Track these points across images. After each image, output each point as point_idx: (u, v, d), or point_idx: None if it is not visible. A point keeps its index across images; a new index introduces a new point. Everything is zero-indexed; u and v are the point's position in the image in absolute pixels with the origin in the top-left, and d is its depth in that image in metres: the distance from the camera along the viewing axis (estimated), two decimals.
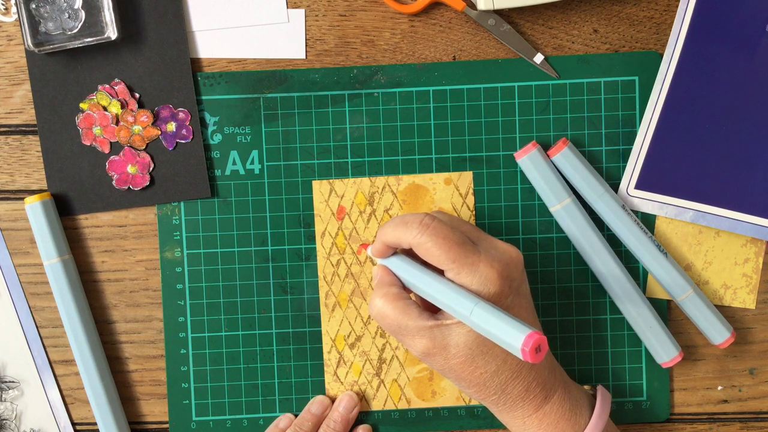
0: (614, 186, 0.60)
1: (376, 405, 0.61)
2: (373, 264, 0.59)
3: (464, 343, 0.50)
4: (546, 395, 0.52)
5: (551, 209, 0.59)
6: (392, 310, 0.51)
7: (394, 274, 0.54)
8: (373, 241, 0.59)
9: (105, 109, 0.59)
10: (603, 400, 0.54)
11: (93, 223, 0.60)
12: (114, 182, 0.59)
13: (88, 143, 0.59)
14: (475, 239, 0.52)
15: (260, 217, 0.60)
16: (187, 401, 0.61)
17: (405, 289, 0.53)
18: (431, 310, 0.53)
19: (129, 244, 0.61)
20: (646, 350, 0.61)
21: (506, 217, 0.60)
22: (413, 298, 0.54)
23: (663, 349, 0.59)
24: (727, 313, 0.61)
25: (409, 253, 0.54)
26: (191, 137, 0.59)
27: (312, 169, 0.60)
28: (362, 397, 0.61)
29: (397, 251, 0.54)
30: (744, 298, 0.61)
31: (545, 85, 0.60)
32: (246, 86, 0.60)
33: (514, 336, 0.45)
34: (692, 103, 0.58)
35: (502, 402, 0.52)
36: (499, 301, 0.50)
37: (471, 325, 0.48)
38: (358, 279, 0.60)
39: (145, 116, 0.59)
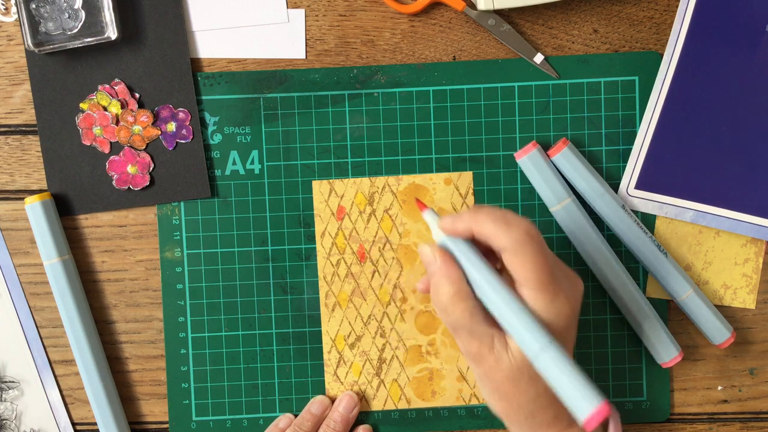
0: (614, 186, 0.60)
1: (376, 405, 0.61)
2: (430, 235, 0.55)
3: (518, 363, 0.48)
4: (571, 421, 0.51)
5: (551, 209, 0.59)
6: (460, 312, 0.48)
7: (457, 264, 0.49)
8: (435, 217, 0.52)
9: (105, 109, 0.59)
10: (615, 424, 0.52)
11: (93, 223, 0.60)
12: (114, 182, 0.59)
13: (88, 143, 0.59)
14: (552, 262, 0.49)
15: (260, 217, 0.60)
16: (187, 401, 0.61)
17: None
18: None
19: (129, 244, 0.61)
20: (646, 350, 0.61)
21: None
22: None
23: (663, 349, 0.59)
24: (727, 313, 0.61)
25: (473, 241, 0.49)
26: (191, 137, 0.59)
27: (312, 169, 0.60)
28: (362, 397, 0.61)
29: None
30: (744, 298, 0.61)
31: (545, 85, 0.60)
32: (246, 86, 0.60)
33: (580, 405, 0.44)
34: (692, 103, 0.58)
35: (527, 425, 0.50)
36: (563, 335, 0.48)
37: (532, 363, 0.47)
38: (358, 279, 0.60)
39: (145, 116, 0.59)
